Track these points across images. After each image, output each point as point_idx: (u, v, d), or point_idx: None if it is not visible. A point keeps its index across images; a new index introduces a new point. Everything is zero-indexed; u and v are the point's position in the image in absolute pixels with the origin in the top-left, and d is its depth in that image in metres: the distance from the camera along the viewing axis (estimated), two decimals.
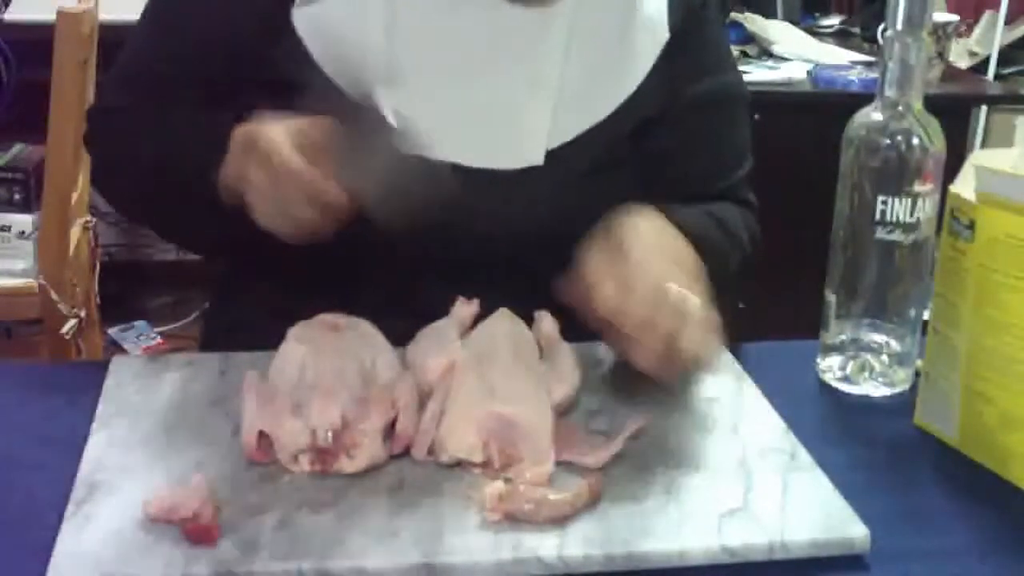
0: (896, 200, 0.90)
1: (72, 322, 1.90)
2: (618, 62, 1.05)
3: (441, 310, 0.93)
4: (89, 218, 2.13)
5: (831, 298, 0.95)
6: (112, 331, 2.83)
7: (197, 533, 0.70)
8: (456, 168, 0.98)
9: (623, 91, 1.05)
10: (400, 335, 0.91)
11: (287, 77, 0.97)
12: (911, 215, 0.90)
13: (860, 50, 2.77)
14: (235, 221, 0.91)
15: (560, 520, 0.72)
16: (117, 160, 1.07)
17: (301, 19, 1.00)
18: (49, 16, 1.81)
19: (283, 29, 1.00)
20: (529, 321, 0.93)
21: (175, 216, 1.02)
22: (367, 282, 0.99)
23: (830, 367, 0.97)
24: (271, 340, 0.88)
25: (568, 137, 1.03)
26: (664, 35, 1.06)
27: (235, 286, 1.14)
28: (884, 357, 0.95)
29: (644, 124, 1.08)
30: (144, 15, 1.08)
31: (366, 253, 0.99)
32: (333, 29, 1.00)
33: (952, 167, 0.89)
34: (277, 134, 0.88)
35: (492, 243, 1.00)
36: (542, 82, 1.02)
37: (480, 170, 1.01)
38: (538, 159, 1.01)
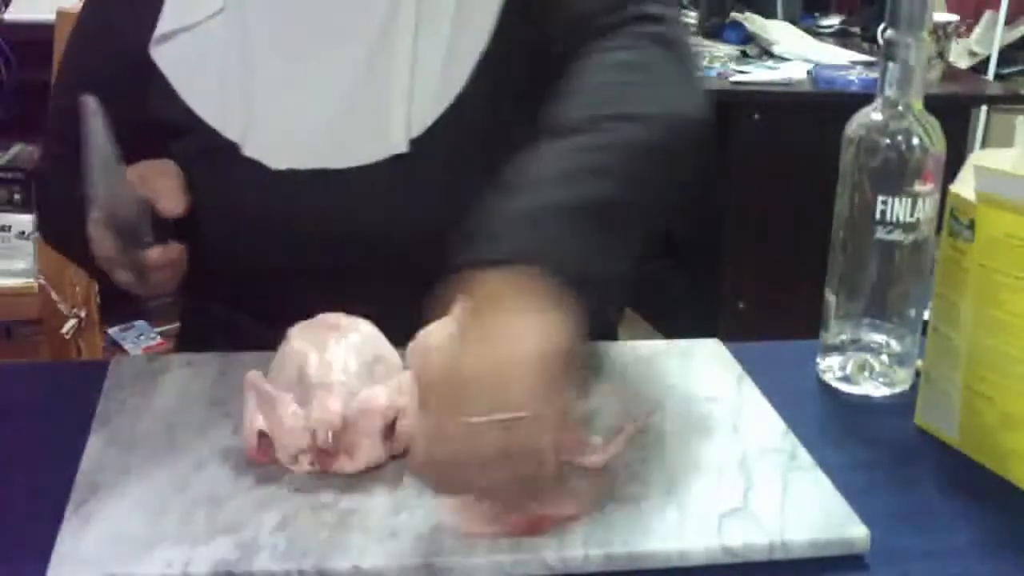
0: (896, 200, 0.90)
1: (72, 322, 1.90)
2: (462, 25, 1.00)
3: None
4: None
5: (831, 298, 0.95)
6: (112, 331, 2.83)
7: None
8: (327, 173, 0.99)
9: (473, 54, 1.00)
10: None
11: (160, 119, 1.01)
12: (911, 215, 0.90)
13: (860, 50, 2.77)
14: None
15: (562, 521, 0.72)
16: (43, 218, 1.18)
17: (161, 56, 1.02)
18: (49, 16, 1.81)
19: (149, 72, 1.02)
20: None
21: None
22: (287, 294, 0.96)
23: (830, 367, 0.97)
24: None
25: (433, 117, 0.99)
26: None
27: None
28: (884, 357, 0.95)
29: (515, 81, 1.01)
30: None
31: (274, 268, 1.01)
32: (191, 60, 1.01)
33: (952, 167, 0.89)
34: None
35: (376, 244, 0.99)
36: (397, 67, 1.00)
37: (348, 170, 0.99)
38: (402, 146, 0.99)
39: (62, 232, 1.13)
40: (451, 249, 0.87)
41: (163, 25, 1.02)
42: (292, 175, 0.99)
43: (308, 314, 0.86)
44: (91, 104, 0.90)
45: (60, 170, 1.11)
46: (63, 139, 1.12)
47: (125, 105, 1.02)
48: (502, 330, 0.70)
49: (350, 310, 0.86)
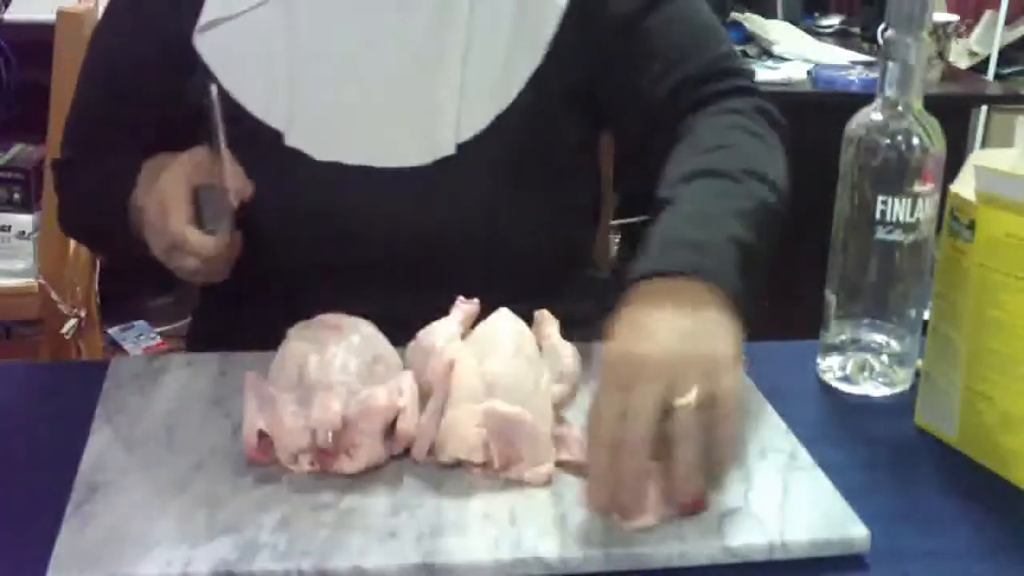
0: (896, 200, 0.90)
1: (72, 322, 1.90)
2: (519, 34, 1.02)
3: (380, 316, 0.87)
4: None
5: (831, 298, 0.95)
6: (112, 331, 2.83)
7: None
8: (370, 170, 0.99)
9: (528, 65, 1.01)
10: None
11: (199, 108, 1.00)
12: (911, 215, 0.90)
13: (860, 50, 2.77)
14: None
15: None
16: (68, 208, 1.15)
17: (204, 44, 1.02)
18: (49, 16, 1.81)
19: (189, 59, 1.02)
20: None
21: (126, 255, 1.03)
22: (308, 290, 0.97)
23: (830, 367, 0.97)
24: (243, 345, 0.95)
25: (483, 124, 1.00)
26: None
27: (210, 297, 1.17)
28: (884, 357, 0.95)
29: (574, 94, 1.04)
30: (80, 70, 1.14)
31: (304, 262, 1.01)
32: (235, 48, 1.02)
33: (952, 167, 0.89)
34: (168, 182, 0.93)
35: (405, 244, 1.00)
36: (447, 70, 1.00)
37: (392, 169, 1.00)
38: (449, 149, 0.99)
39: (91, 220, 1.11)
40: (477, 251, 0.88)
41: (207, 14, 1.02)
42: (335, 168, 0.99)
43: (319, 311, 0.86)
44: (214, 91, 0.91)
45: (87, 159, 1.10)
46: (92, 128, 1.11)
47: (162, 93, 1.03)
48: (703, 324, 0.76)
49: (358, 308, 0.86)
